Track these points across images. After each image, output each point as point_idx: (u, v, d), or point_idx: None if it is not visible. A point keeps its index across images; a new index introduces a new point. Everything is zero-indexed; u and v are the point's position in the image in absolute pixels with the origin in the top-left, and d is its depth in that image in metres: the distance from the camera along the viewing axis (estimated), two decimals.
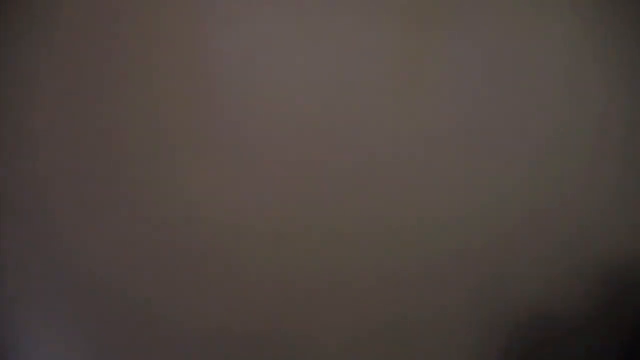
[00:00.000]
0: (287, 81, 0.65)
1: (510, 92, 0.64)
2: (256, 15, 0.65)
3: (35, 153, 0.65)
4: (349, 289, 0.64)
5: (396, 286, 0.64)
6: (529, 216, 0.64)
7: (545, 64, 0.64)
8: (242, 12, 0.65)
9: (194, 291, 0.64)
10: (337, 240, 0.64)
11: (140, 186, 0.65)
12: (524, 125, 0.64)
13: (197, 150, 0.65)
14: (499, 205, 0.64)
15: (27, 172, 0.65)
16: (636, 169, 0.64)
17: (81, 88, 0.65)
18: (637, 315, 0.63)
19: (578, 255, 0.63)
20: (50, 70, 0.66)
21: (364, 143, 0.64)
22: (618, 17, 0.64)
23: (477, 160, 0.64)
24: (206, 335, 0.64)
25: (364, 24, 0.65)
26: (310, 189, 0.64)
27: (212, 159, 0.65)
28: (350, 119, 0.65)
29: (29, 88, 0.66)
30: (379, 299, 0.64)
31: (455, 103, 0.64)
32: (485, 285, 0.64)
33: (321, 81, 0.65)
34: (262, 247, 0.64)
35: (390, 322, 0.64)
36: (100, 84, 0.65)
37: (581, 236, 0.64)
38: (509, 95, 0.64)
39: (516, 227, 0.64)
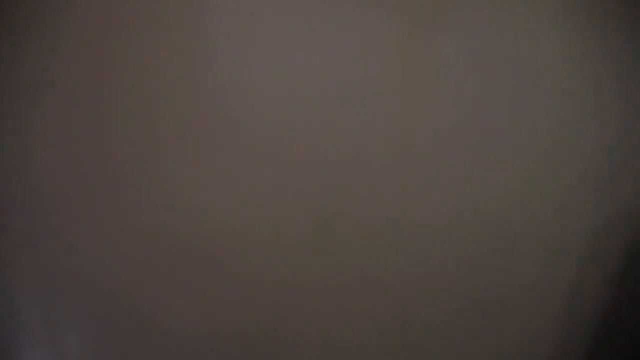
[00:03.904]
0: (287, 81, 0.65)
1: (509, 93, 0.64)
2: (256, 15, 0.65)
3: (37, 153, 0.65)
4: (349, 289, 0.64)
5: (396, 287, 0.64)
6: (529, 216, 0.64)
7: (544, 66, 0.64)
8: (242, 12, 0.65)
9: (194, 290, 0.64)
10: (338, 240, 0.64)
11: (140, 186, 0.65)
12: (523, 126, 0.64)
13: (197, 150, 0.65)
14: (499, 205, 0.64)
15: (28, 173, 0.65)
16: (635, 170, 0.64)
17: (81, 88, 0.65)
18: None
19: (579, 255, 0.64)
20: (51, 70, 0.66)
21: (365, 143, 0.64)
22: (613, 19, 0.65)
23: (476, 160, 0.64)
24: (205, 334, 0.64)
25: (364, 24, 0.65)
26: (309, 188, 0.64)
27: (211, 158, 0.65)
28: (350, 118, 0.65)
29: (29, 88, 0.66)
30: (379, 300, 0.64)
31: (454, 104, 0.64)
32: (487, 285, 0.64)
33: (321, 81, 0.65)
34: (261, 246, 0.64)
35: (390, 323, 0.64)
36: (100, 85, 0.65)
37: (581, 236, 0.64)
38: (507, 96, 0.64)
39: (517, 227, 0.64)
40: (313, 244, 0.64)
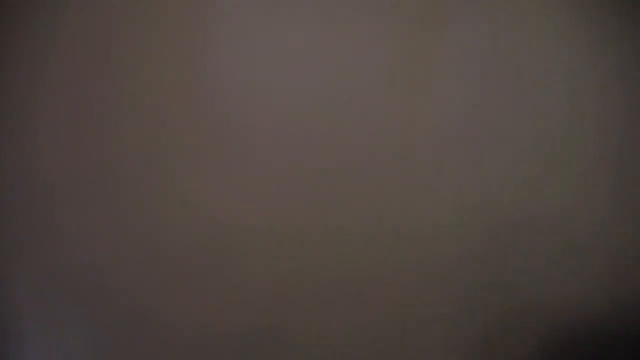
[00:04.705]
0: (288, 82, 0.65)
1: (510, 93, 0.64)
2: (257, 16, 0.65)
3: (37, 153, 0.66)
4: (348, 288, 0.64)
5: (395, 286, 0.64)
6: (530, 217, 0.64)
7: (544, 66, 0.64)
8: (243, 14, 0.65)
9: (195, 290, 0.64)
10: (337, 240, 0.64)
11: (141, 186, 0.65)
12: (523, 127, 0.64)
13: (198, 151, 0.65)
14: (497, 206, 0.64)
15: (29, 173, 0.66)
16: (635, 171, 0.64)
17: (82, 89, 0.66)
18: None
19: (575, 257, 0.63)
20: (52, 70, 0.66)
21: (365, 144, 0.64)
22: (616, 17, 0.64)
23: (475, 161, 0.64)
24: (206, 333, 0.64)
25: (365, 24, 0.65)
26: (309, 189, 0.64)
27: (212, 159, 0.65)
28: (350, 119, 0.65)
29: (30, 88, 0.66)
30: (379, 299, 0.64)
31: (454, 105, 0.64)
32: (482, 287, 0.64)
33: (322, 82, 0.65)
34: (261, 246, 0.64)
35: (390, 322, 0.64)
36: (101, 85, 0.65)
37: (579, 239, 0.63)
38: (508, 96, 0.64)
39: (518, 227, 0.64)
40: (316, 245, 0.64)
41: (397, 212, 0.64)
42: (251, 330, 0.64)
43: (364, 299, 0.64)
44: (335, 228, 0.64)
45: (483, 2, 0.65)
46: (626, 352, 0.62)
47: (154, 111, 0.65)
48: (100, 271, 0.65)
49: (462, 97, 0.64)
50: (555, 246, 0.63)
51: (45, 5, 0.66)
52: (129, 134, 0.65)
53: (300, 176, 0.65)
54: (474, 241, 0.64)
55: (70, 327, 0.65)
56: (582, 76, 0.64)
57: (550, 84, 0.64)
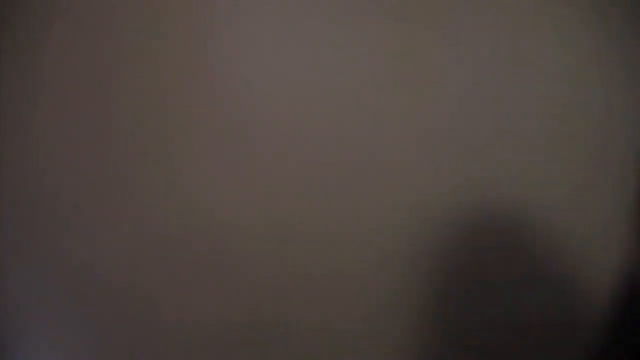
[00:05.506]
0: (286, 81, 0.65)
1: (509, 92, 0.64)
2: (256, 15, 0.65)
3: (36, 151, 0.65)
4: (348, 286, 0.64)
5: (395, 282, 0.64)
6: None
7: (545, 64, 0.65)
8: (242, 12, 0.65)
9: (194, 287, 0.64)
10: (336, 238, 0.64)
11: (141, 184, 0.65)
12: (521, 127, 0.64)
13: (197, 149, 0.65)
14: (495, 205, 0.64)
15: (28, 172, 0.65)
16: (637, 171, 0.64)
17: (81, 87, 0.66)
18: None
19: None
20: (53, 68, 0.66)
21: (362, 143, 0.65)
22: (617, 14, 0.65)
23: (474, 160, 0.64)
24: (205, 329, 0.64)
25: (362, 24, 0.65)
26: (309, 187, 0.65)
27: (211, 157, 0.65)
28: (351, 119, 0.65)
29: (29, 87, 0.66)
30: (378, 295, 0.64)
31: (452, 103, 0.65)
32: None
33: (319, 81, 0.65)
34: (259, 243, 0.64)
35: (389, 318, 0.64)
36: (100, 83, 0.66)
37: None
38: (507, 96, 0.64)
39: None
40: (316, 243, 0.64)
41: (397, 210, 0.64)
42: (251, 326, 0.64)
43: (363, 296, 0.64)
44: (334, 226, 0.64)
45: (481, 2, 0.65)
46: (625, 352, 0.63)
47: (155, 110, 0.65)
48: (101, 270, 0.65)
49: (460, 96, 0.65)
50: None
51: (45, 4, 0.66)
52: (129, 132, 0.65)
53: (299, 175, 0.65)
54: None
55: (70, 327, 0.64)
56: (583, 75, 0.64)
57: (551, 83, 0.64)
